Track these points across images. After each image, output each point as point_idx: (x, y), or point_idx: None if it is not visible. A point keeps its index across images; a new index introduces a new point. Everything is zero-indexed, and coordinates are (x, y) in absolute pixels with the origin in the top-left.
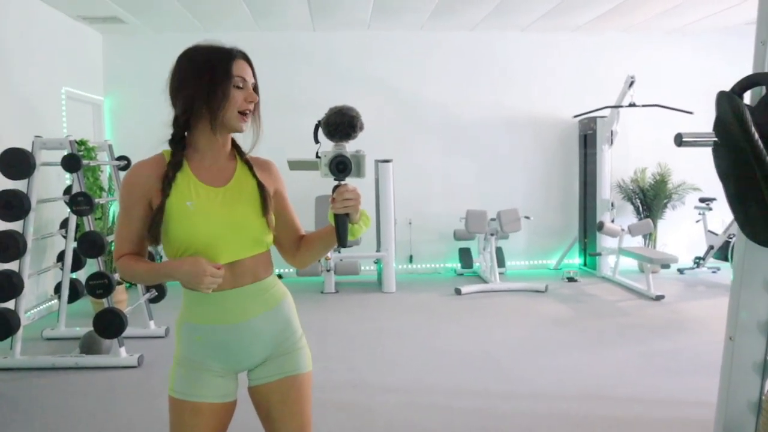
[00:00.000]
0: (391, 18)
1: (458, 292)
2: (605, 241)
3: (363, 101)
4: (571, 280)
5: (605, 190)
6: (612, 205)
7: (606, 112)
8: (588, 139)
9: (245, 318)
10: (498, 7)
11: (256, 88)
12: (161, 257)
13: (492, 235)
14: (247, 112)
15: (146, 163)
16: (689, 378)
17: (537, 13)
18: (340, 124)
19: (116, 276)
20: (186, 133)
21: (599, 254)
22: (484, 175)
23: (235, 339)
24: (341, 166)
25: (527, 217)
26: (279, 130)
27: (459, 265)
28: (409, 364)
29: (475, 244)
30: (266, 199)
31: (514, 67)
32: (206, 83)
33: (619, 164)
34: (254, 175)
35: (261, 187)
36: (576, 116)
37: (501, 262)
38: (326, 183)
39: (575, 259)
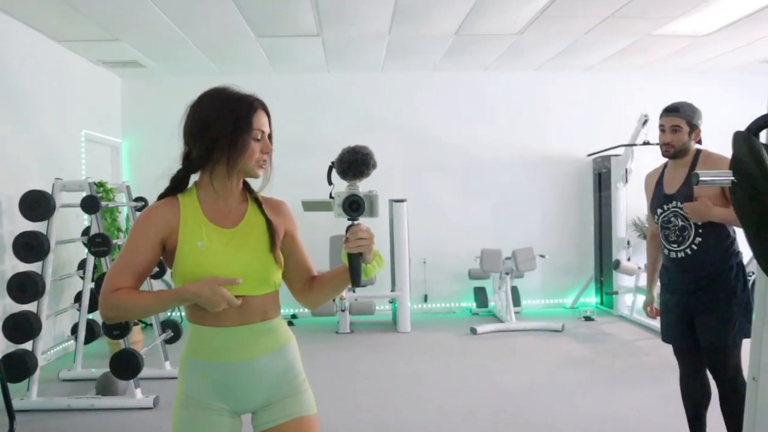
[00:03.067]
0: (405, 59)
1: (474, 331)
2: (622, 280)
3: (377, 142)
4: (587, 319)
5: (621, 229)
6: (628, 243)
7: (620, 151)
8: (603, 177)
9: (251, 357)
10: (511, 48)
11: (270, 137)
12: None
13: (507, 274)
14: (264, 160)
15: (163, 204)
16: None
17: (550, 53)
18: (353, 162)
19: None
20: (199, 174)
21: (616, 293)
22: (499, 214)
23: (239, 378)
24: (354, 206)
25: (542, 256)
26: (294, 171)
27: (474, 304)
28: (425, 406)
29: (490, 283)
30: (273, 236)
31: (528, 106)
32: (228, 133)
33: (634, 202)
34: (263, 213)
35: (269, 223)
36: (590, 155)
37: (516, 301)
38: (340, 223)
39: (591, 298)
